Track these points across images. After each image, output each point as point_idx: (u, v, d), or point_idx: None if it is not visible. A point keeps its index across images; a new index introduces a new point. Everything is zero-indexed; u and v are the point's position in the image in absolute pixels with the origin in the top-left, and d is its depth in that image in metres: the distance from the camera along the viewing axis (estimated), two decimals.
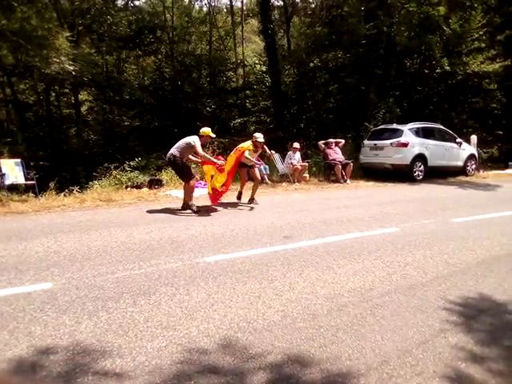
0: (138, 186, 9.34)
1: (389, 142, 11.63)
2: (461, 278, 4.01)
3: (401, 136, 11.59)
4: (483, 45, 16.22)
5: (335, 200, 8.43)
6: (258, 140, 7.63)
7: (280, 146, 12.64)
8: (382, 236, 5.51)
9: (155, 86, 16.52)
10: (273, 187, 10.14)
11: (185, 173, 6.79)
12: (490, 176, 13.78)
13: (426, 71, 16.63)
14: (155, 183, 9.49)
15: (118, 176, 10.01)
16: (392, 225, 6.12)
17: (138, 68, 19.06)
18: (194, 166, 8.92)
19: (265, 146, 7.93)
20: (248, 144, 7.61)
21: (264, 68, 17.37)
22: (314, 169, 11.92)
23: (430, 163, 11.96)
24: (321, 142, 11.88)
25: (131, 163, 10.58)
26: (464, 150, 13.21)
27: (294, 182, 10.69)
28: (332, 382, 2.33)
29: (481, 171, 14.24)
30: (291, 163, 10.92)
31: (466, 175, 13.20)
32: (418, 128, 12.18)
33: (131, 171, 10.32)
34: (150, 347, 2.66)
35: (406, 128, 11.84)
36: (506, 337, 2.89)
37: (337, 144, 11.79)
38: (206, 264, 4.25)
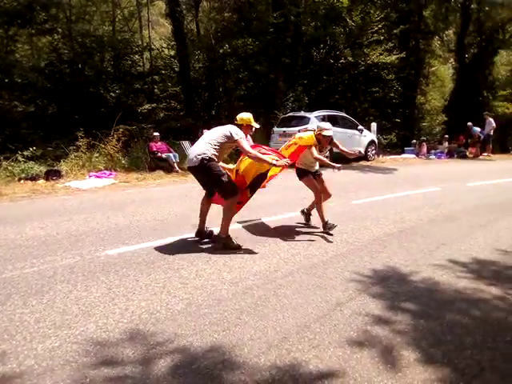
0: (33, 178, 8.57)
1: (297, 129, 12.02)
2: (358, 254, 4.30)
3: (308, 123, 12.05)
4: (382, 37, 17.47)
5: None
6: (324, 134, 5.08)
7: (191, 134, 12.45)
8: (288, 220, 5.72)
9: (52, 69, 15.14)
10: (183, 176, 9.97)
11: (223, 184, 4.29)
12: (388, 160, 14.97)
13: (332, 61, 17.47)
14: (53, 174, 8.78)
15: (10, 167, 9.06)
16: (297, 209, 6.34)
17: (31, 48, 17.28)
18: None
19: (336, 142, 5.53)
20: (310, 138, 5.08)
21: (172, 52, 16.87)
22: (225, 156, 11.93)
23: (334, 149, 12.60)
24: None
25: (25, 153, 9.61)
26: (365, 137, 14.15)
27: None
28: (233, 363, 2.36)
29: (380, 156, 15.40)
30: None
31: (367, 160, 14.16)
32: (323, 115, 12.77)
33: (25, 162, 9.40)
34: (41, 349, 2.46)
35: (313, 115, 12.37)
36: (395, 305, 3.15)
37: None
38: (108, 257, 4.04)
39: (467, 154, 16.78)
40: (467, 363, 2.41)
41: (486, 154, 16.63)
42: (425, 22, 21.64)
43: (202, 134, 10.81)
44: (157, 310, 2.99)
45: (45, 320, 2.80)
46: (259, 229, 5.21)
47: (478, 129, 16.63)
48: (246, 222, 5.52)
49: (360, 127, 13.88)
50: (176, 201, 6.92)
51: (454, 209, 6.53)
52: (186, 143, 11.33)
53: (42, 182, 8.43)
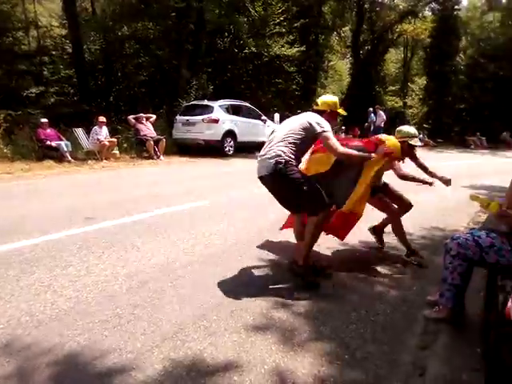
0: None
1: (200, 117, 11.92)
2: (258, 241, 4.34)
3: (212, 112, 12.00)
4: (283, 30, 17.95)
5: (146, 177, 8.25)
6: (412, 143, 3.79)
7: (86, 120, 11.58)
8: (190, 210, 5.62)
9: None
10: (77, 166, 9.32)
11: (305, 194, 3.18)
12: None
13: (236, 51, 17.51)
14: None
15: None
16: (201, 198, 6.30)
17: None
18: None
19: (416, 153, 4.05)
20: (398, 149, 3.71)
21: (64, 32, 15.44)
22: (125, 145, 11.39)
23: (239, 139, 12.75)
24: (131, 117, 11.38)
25: None
26: (269, 127, 14.48)
27: (102, 160, 10.04)
28: (124, 360, 2.25)
29: None
30: (98, 139, 10.15)
31: None
32: (227, 105, 12.82)
33: None
34: None
35: (217, 105, 12.33)
36: (292, 288, 3.25)
37: (148, 119, 11.49)
38: None
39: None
40: (352, 336, 2.60)
41: None
42: (324, 18, 22.75)
43: (98, 120, 10.47)
44: (40, 311, 2.73)
45: None
46: (159, 219, 5.05)
47: (373, 116, 18.04)
48: (146, 212, 5.31)
49: (263, 117, 14.18)
50: (67, 193, 6.43)
51: None
52: (79, 131, 10.52)
53: None
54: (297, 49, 18.07)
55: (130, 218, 5.06)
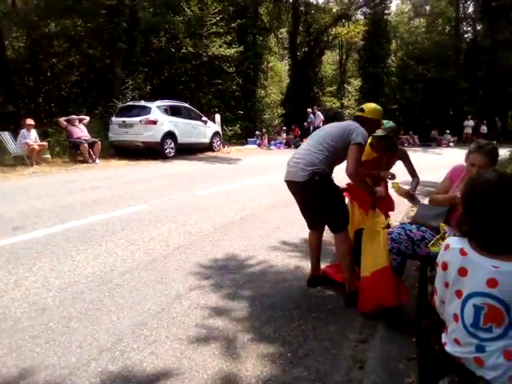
0: None
1: (138, 119, 11.55)
2: (200, 245, 4.31)
3: (149, 113, 11.66)
4: (221, 30, 17.86)
5: (81, 182, 7.83)
6: (376, 132, 3.43)
7: (12, 123, 10.81)
8: (129, 215, 5.43)
9: None
10: (4, 172, 8.66)
11: (337, 210, 3.10)
12: (233, 151, 15.50)
13: (173, 50, 17.18)
14: None
15: None
16: (141, 202, 6.13)
17: None
18: None
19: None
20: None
21: None
22: (58, 149, 10.75)
23: (179, 140, 12.52)
24: (62, 119, 10.77)
25: None
26: (209, 128, 14.40)
27: (32, 165, 9.42)
28: (57, 377, 2.14)
29: (225, 147, 15.85)
30: (26, 143, 9.51)
31: (213, 151, 14.43)
32: (166, 106, 12.53)
33: None
34: None
35: (154, 105, 12.00)
36: (233, 291, 3.25)
37: (81, 121, 10.94)
38: None
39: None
40: (295, 334, 2.64)
41: None
42: (260, 19, 22.95)
43: (25, 123, 9.81)
44: None
45: None
46: (95, 226, 4.82)
47: (313, 117, 18.50)
48: (80, 219, 5.05)
49: (204, 118, 14.05)
50: None
51: (288, 195, 7.04)
52: (5, 134, 9.77)
53: None
54: (235, 49, 18.08)
55: (62, 225, 4.80)
